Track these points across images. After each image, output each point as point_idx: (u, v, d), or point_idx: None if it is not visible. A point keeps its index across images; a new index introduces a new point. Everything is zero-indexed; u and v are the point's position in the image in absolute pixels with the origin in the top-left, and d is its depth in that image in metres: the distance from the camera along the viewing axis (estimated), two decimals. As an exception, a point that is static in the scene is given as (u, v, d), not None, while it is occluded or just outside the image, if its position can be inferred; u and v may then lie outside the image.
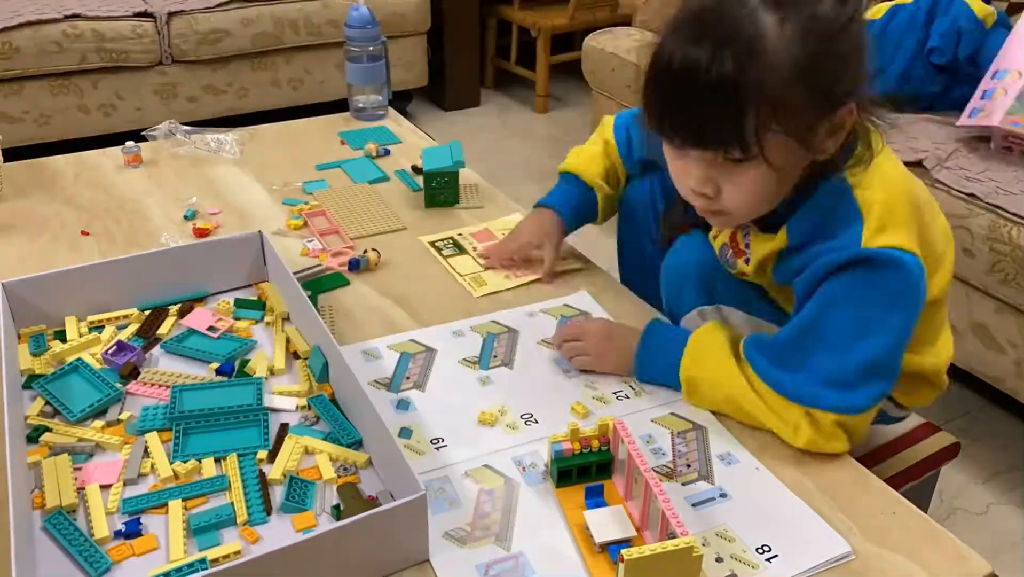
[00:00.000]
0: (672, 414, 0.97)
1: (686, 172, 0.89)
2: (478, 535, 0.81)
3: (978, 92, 1.76)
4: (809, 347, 0.90)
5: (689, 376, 0.97)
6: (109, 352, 1.03)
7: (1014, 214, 1.54)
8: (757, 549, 0.80)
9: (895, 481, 1.07)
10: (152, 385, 1.00)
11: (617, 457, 0.87)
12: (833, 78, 0.82)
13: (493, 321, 1.13)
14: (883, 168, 0.90)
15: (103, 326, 1.10)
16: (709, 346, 0.97)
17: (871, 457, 1.12)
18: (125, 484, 0.86)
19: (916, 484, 1.14)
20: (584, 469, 0.86)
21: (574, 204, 1.23)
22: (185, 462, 0.88)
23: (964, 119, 1.74)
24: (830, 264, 0.88)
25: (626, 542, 0.79)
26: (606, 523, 0.80)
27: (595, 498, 0.84)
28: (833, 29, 0.81)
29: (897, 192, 0.89)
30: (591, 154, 1.24)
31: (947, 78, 1.94)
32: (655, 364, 1.00)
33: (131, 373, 1.01)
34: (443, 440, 0.93)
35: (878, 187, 0.88)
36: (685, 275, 1.08)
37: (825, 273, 0.88)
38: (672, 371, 0.98)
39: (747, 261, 1.00)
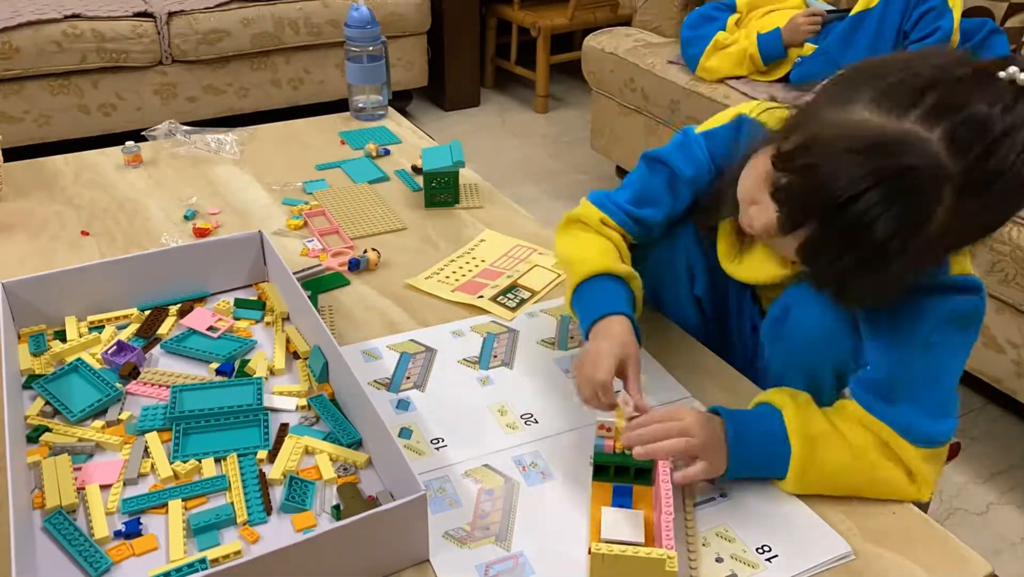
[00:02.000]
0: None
1: (758, 209, 0.84)
2: (478, 535, 0.81)
3: None
4: (914, 380, 0.86)
5: (802, 460, 0.85)
6: (109, 352, 1.03)
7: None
8: (757, 549, 0.80)
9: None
10: (152, 385, 1.00)
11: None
12: (959, 247, 0.81)
13: (493, 321, 1.13)
14: None
15: (103, 326, 1.10)
16: (812, 416, 0.87)
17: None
18: (125, 484, 0.86)
19: (916, 484, 1.14)
20: (623, 469, 0.85)
21: (630, 302, 0.99)
22: (185, 462, 0.88)
23: None
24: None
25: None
26: (618, 523, 0.80)
27: (622, 498, 0.83)
28: (992, 209, 0.77)
29: None
30: (600, 249, 1.02)
31: None
32: (753, 456, 0.86)
33: (131, 373, 1.01)
34: (443, 440, 0.93)
35: None
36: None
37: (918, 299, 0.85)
38: (775, 460, 0.86)
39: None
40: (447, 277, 1.22)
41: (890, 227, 0.72)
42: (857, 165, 0.72)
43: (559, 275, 1.23)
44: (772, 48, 2.13)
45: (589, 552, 0.70)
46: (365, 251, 1.26)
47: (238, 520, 0.82)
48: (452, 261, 1.26)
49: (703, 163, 1.01)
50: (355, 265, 1.23)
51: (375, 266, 1.25)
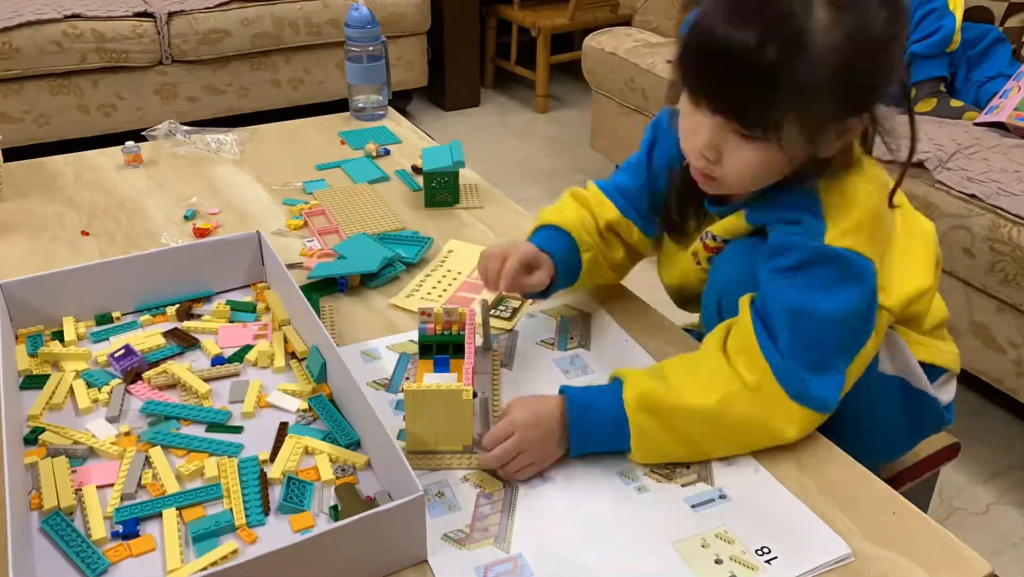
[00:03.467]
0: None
1: (696, 131, 0.89)
2: (477, 537, 0.81)
3: (999, 91, 1.83)
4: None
5: (641, 421, 0.88)
6: (115, 355, 1.03)
7: (1015, 215, 1.54)
8: (756, 551, 0.80)
9: (895, 481, 1.07)
10: (154, 388, 1.00)
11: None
12: (863, 87, 0.84)
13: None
14: (853, 180, 0.91)
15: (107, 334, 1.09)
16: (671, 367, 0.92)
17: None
18: (123, 499, 0.85)
19: (916, 484, 1.14)
20: (443, 346, 0.97)
21: (565, 257, 1.08)
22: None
23: (982, 116, 1.82)
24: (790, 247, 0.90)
25: None
26: (435, 381, 0.90)
27: (442, 368, 0.96)
28: (877, 41, 0.82)
29: (861, 204, 0.90)
30: (559, 207, 1.13)
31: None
32: (594, 433, 0.89)
33: (136, 377, 1.01)
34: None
35: (841, 194, 0.90)
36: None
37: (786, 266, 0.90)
38: (618, 436, 0.89)
39: (714, 238, 1.02)
40: (428, 294, 1.19)
41: (773, 55, 0.79)
42: (736, 10, 0.81)
43: None
44: None
45: (401, 390, 0.86)
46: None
47: (236, 524, 0.82)
48: (428, 276, 1.23)
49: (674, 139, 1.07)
50: (343, 286, 1.20)
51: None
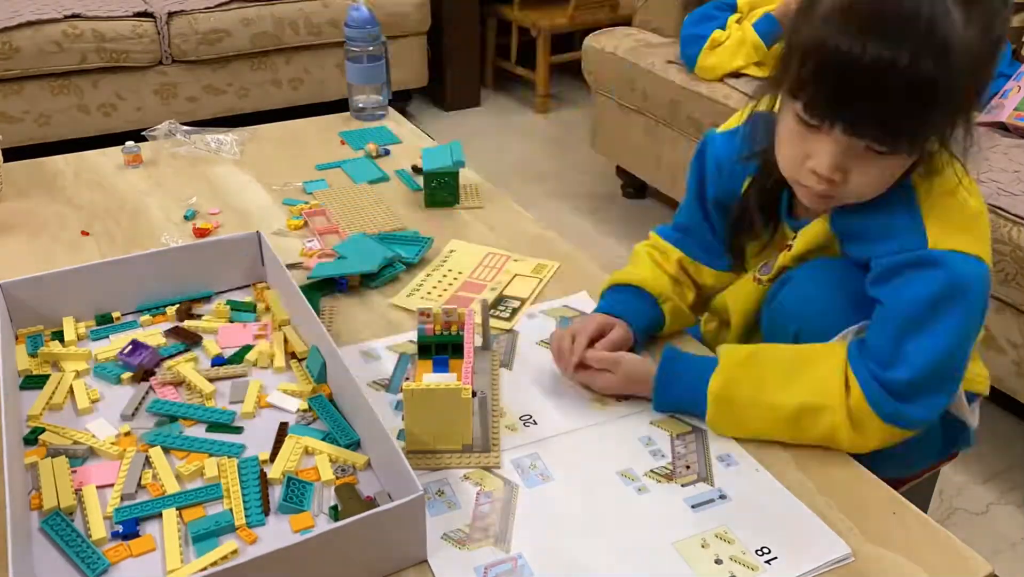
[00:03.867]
0: (671, 416, 0.97)
1: (815, 155, 0.84)
2: (477, 537, 0.81)
3: (999, 91, 1.82)
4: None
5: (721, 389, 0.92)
6: (124, 352, 1.03)
7: (1015, 215, 1.54)
8: (757, 551, 0.80)
9: (895, 481, 1.07)
10: (167, 385, 1.00)
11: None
12: (986, 83, 0.82)
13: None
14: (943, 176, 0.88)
15: (107, 333, 1.09)
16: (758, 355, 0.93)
17: (871, 458, 1.12)
18: (123, 499, 0.85)
19: (916, 484, 1.14)
20: (442, 346, 0.97)
21: (640, 314, 1.06)
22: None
23: (982, 116, 1.83)
24: (896, 265, 0.87)
25: None
26: (435, 381, 0.90)
27: (441, 368, 0.96)
28: (997, 17, 0.79)
29: (963, 204, 0.88)
30: (634, 266, 1.12)
31: None
32: (678, 385, 0.95)
33: (144, 375, 1.01)
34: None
35: (943, 194, 0.88)
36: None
37: (890, 273, 0.87)
38: (697, 389, 0.93)
39: (789, 248, 0.99)
40: (428, 293, 1.19)
41: (929, 67, 0.75)
42: (874, 27, 0.75)
43: (541, 279, 1.22)
44: (768, 26, 2.11)
45: (400, 390, 0.87)
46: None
47: (236, 524, 0.82)
48: (428, 276, 1.23)
49: (726, 167, 1.04)
50: (343, 286, 1.20)
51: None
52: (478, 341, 1.06)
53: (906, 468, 1.08)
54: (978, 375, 1.05)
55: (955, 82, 0.77)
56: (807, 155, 0.85)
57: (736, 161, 1.01)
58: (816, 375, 0.89)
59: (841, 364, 0.89)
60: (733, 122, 1.07)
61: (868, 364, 0.88)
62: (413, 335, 1.09)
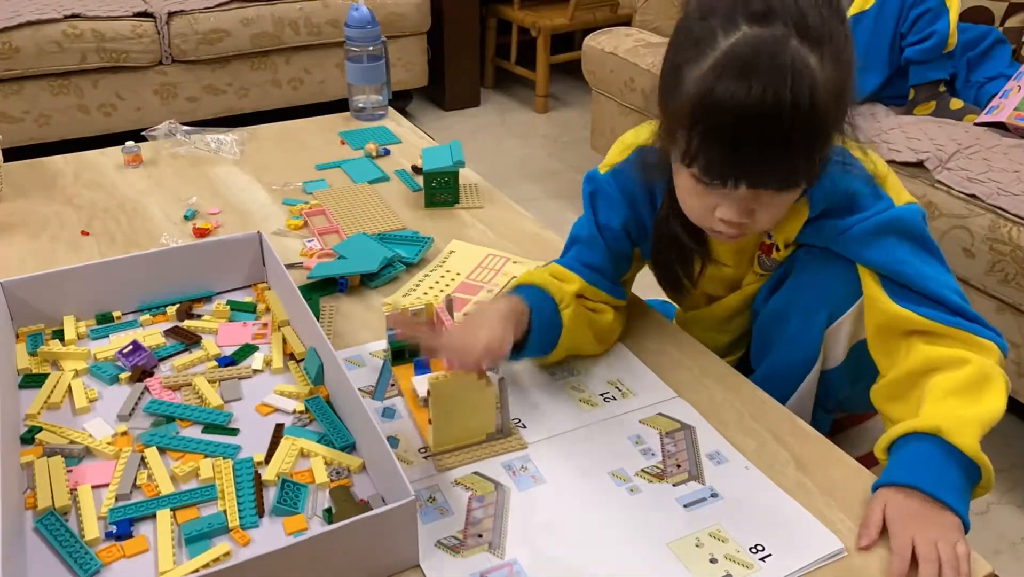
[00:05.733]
0: (660, 414, 0.97)
1: (723, 206, 0.87)
2: (471, 543, 0.81)
3: (1000, 91, 1.83)
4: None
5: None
6: (123, 352, 1.03)
7: (1015, 215, 1.54)
8: (750, 549, 0.80)
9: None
10: (165, 388, 1.00)
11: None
12: (849, 93, 0.85)
13: None
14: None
15: (107, 332, 1.09)
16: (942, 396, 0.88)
17: (871, 457, 1.12)
18: (117, 499, 0.85)
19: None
20: (415, 350, 1.00)
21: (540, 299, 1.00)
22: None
23: (982, 116, 1.82)
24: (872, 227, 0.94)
25: None
26: (427, 383, 0.89)
27: (423, 369, 0.99)
28: (843, 48, 0.82)
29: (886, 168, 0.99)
30: (540, 273, 1.04)
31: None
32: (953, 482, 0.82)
33: (142, 375, 1.01)
34: (430, 448, 0.92)
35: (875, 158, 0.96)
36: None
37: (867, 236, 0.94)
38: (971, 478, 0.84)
39: (777, 248, 1.03)
40: (424, 294, 1.19)
41: (806, 104, 0.78)
42: (749, 77, 0.78)
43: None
44: None
45: (428, 394, 0.86)
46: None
47: (230, 526, 0.82)
48: (427, 276, 1.23)
49: (621, 203, 1.07)
50: (343, 287, 1.20)
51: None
52: (494, 415, 0.93)
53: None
54: None
55: (827, 113, 0.81)
56: (714, 206, 0.89)
57: (628, 194, 1.06)
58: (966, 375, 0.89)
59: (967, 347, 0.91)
60: (612, 158, 1.11)
61: (945, 314, 0.91)
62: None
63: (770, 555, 0.79)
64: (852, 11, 2.02)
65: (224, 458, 0.90)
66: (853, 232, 0.94)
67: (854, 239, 0.95)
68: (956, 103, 1.94)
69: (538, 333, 0.96)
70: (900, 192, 0.97)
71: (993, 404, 0.87)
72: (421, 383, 0.96)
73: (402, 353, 0.99)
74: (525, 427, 0.95)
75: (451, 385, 0.86)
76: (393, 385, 1.01)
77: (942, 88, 1.97)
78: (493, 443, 0.91)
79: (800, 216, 0.97)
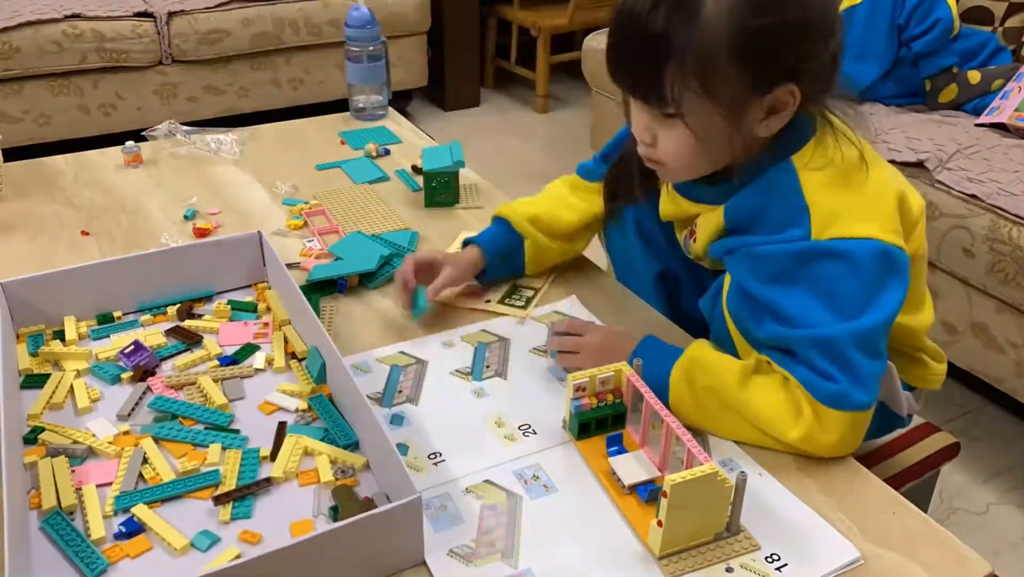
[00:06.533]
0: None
1: (634, 117, 0.92)
2: (483, 552, 0.79)
3: (1000, 92, 1.83)
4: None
5: (683, 376, 0.92)
6: (125, 352, 1.03)
7: (1015, 215, 1.54)
8: (767, 558, 0.79)
9: (895, 481, 1.07)
10: (168, 387, 1.00)
11: (630, 408, 0.92)
12: (769, 55, 0.82)
13: (483, 330, 1.11)
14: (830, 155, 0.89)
15: (107, 332, 1.09)
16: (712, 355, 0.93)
17: (871, 457, 1.12)
18: (120, 496, 0.85)
19: (916, 484, 1.14)
20: (602, 421, 0.91)
21: (498, 244, 1.18)
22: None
23: (982, 116, 1.82)
24: (782, 254, 0.88)
25: (652, 483, 0.84)
26: (631, 466, 0.86)
27: (616, 446, 0.89)
28: (776, 13, 0.81)
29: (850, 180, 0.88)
30: (527, 200, 1.22)
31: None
32: (647, 368, 0.92)
33: (144, 375, 1.01)
34: (440, 455, 0.91)
35: (825, 176, 0.88)
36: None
37: (777, 264, 0.88)
38: (663, 374, 0.93)
39: (694, 239, 1.02)
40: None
41: (661, 19, 0.80)
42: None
43: (554, 268, 1.23)
44: None
45: (664, 494, 0.75)
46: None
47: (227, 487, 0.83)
48: None
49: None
50: (343, 287, 1.20)
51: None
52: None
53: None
54: (937, 372, 1.05)
55: (697, 43, 0.80)
56: (631, 116, 0.93)
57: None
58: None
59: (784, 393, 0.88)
60: None
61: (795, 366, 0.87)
62: (403, 346, 1.08)
63: (786, 564, 0.78)
64: (842, 6, 2.02)
65: (234, 449, 0.90)
66: (755, 251, 0.90)
67: (747, 257, 0.91)
68: (974, 75, 1.93)
69: (496, 258, 1.17)
70: (842, 220, 0.85)
71: (760, 401, 0.88)
72: (624, 468, 0.86)
73: (588, 427, 0.90)
74: (536, 433, 0.94)
75: (691, 485, 0.75)
76: (400, 391, 1.00)
77: (955, 70, 1.96)
78: (721, 543, 0.80)
79: (717, 219, 0.95)
